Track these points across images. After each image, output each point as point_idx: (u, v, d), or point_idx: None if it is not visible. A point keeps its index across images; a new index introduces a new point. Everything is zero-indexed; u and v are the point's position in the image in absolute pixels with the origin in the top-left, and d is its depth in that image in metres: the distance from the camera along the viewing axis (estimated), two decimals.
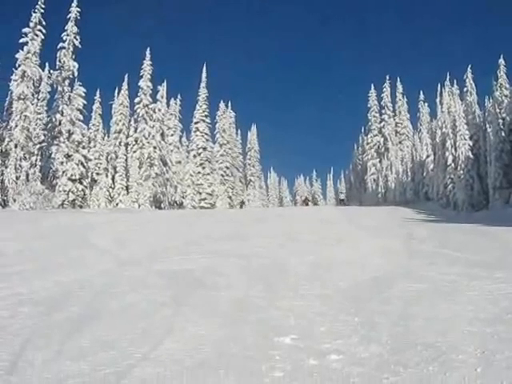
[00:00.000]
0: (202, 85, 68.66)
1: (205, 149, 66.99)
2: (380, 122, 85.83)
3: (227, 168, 72.31)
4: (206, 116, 68.40)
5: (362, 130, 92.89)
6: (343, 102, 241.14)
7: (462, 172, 50.69)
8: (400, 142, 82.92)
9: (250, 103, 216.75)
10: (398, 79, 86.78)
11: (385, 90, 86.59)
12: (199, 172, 64.74)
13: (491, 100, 49.73)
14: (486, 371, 4.34)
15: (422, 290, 8.02)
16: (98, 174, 49.99)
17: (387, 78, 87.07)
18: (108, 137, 56.59)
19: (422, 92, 79.08)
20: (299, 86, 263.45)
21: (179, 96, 65.55)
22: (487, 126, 49.29)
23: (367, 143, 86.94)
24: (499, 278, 8.61)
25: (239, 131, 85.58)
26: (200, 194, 63.55)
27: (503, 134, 45.59)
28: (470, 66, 59.82)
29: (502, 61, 50.76)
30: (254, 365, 4.73)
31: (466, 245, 14.25)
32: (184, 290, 8.36)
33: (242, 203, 62.76)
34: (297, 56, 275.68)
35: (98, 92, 58.44)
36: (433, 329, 5.75)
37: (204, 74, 68.72)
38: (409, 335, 5.54)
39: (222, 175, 70.73)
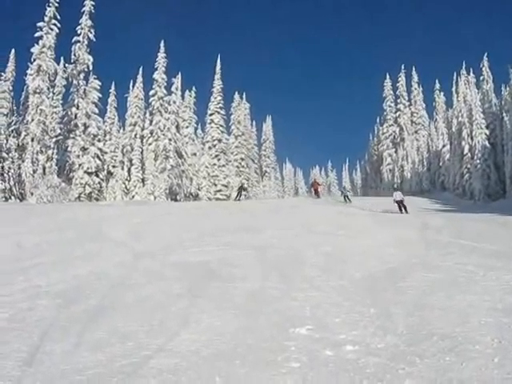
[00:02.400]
0: (217, 76, 68.49)
1: (220, 140, 66.92)
2: (395, 112, 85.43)
3: (242, 159, 72.23)
4: (220, 108, 68.24)
5: (378, 120, 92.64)
6: (359, 92, 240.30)
7: (478, 161, 50.45)
8: (416, 132, 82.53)
9: (265, 94, 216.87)
10: (414, 68, 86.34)
11: (400, 79, 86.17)
12: (214, 164, 64.70)
13: (508, 88, 49.32)
14: (503, 361, 4.33)
15: (438, 280, 7.99)
16: (113, 166, 50.14)
17: (402, 67, 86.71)
18: (123, 129, 56.75)
19: (437, 81, 78.85)
20: (314, 77, 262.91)
21: (194, 88, 65.46)
22: (504, 114, 49.00)
23: (383, 133, 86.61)
24: None
25: (254, 122, 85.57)
26: (215, 185, 63.52)
27: None
28: (486, 54, 59.38)
29: None
30: (270, 355, 4.75)
31: (482, 235, 14.17)
32: (199, 281, 8.38)
33: (241, 190, 41.53)
34: (311, 46, 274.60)
35: (113, 85, 58.61)
36: (449, 319, 5.74)
37: (218, 66, 68.58)
38: (425, 325, 5.53)
39: (238, 167, 70.67)
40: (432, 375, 4.17)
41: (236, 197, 41.04)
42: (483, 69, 58.94)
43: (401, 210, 25.82)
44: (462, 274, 8.34)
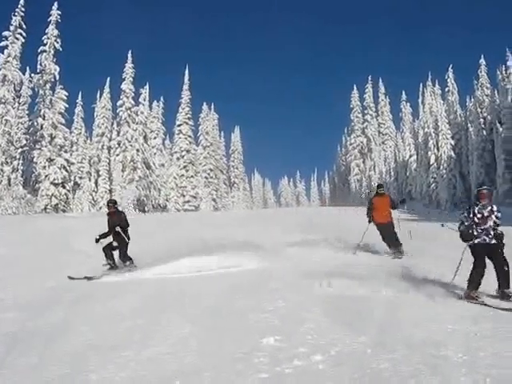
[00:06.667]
0: (185, 87, 68.53)
1: (188, 151, 66.85)
2: (363, 123, 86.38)
3: (211, 170, 72.15)
4: (189, 118, 68.22)
5: (345, 131, 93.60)
6: (327, 103, 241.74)
7: (444, 171, 51.24)
8: (383, 143, 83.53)
9: (234, 105, 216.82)
10: (380, 80, 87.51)
11: (367, 90, 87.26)
12: (183, 175, 64.57)
13: (472, 99, 50.42)
14: (469, 369, 4.36)
15: (406, 288, 8.03)
16: (80, 177, 49.77)
17: (369, 78, 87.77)
18: (90, 140, 56.40)
19: (403, 92, 79.81)
20: (283, 87, 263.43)
21: (162, 99, 65.34)
22: (469, 125, 49.91)
23: (350, 144, 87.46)
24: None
25: (222, 133, 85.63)
26: (184, 196, 63.33)
27: (484, 133, 46.15)
28: (451, 65, 60.49)
29: (482, 61, 51.42)
30: (239, 366, 4.71)
31: (449, 243, 14.30)
32: (166, 295, 8.33)
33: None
34: (279, 56, 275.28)
35: (79, 95, 58.30)
36: (417, 326, 5.77)
37: (186, 77, 68.71)
38: (394, 332, 5.55)
39: (206, 177, 70.54)
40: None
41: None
42: (448, 80, 60.04)
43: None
44: (428, 283, 8.41)
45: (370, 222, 13.92)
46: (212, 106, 79.27)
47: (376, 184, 18.34)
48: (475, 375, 4.16)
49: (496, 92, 47.40)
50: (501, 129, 43.06)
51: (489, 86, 50.01)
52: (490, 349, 4.84)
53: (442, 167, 52.00)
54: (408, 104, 77.66)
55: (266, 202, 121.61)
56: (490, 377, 4.09)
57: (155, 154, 58.52)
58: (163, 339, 5.69)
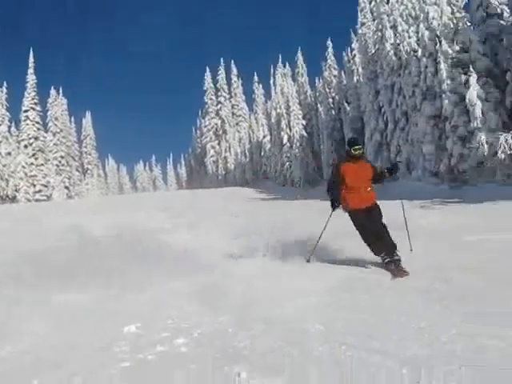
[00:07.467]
0: (30, 71, 65.52)
1: (37, 138, 64.06)
2: (217, 105, 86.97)
3: (62, 157, 69.77)
4: (35, 104, 65.34)
5: (200, 113, 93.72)
6: (181, 86, 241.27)
7: (297, 150, 53.03)
8: (237, 124, 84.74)
9: (84, 90, 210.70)
10: (232, 62, 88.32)
11: (220, 72, 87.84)
12: (32, 163, 61.86)
13: (321, 80, 52.52)
14: (327, 338, 4.46)
15: (263, 271, 8.09)
16: None
17: (221, 60, 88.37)
18: None
19: (255, 74, 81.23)
20: (134, 70, 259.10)
21: (5, 84, 62.16)
22: (318, 105, 52.04)
23: (205, 126, 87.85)
24: (338, 251, 8.94)
25: (73, 119, 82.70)
26: (34, 186, 60.79)
27: (333, 112, 48.27)
28: (299, 48, 62.53)
29: (329, 43, 53.62)
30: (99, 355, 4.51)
31: (299, 220, 14.69)
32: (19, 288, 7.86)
33: None
34: (131, 37, 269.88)
35: None
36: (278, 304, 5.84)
37: (31, 60, 65.63)
38: (254, 310, 5.57)
39: (58, 165, 68.12)
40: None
41: None
42: (298, 62, 62.16)
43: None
44: (273, 264, 8.52)
45: (335, 207, 7.66)
46: (60, 91, 76.63)
47: (347, 139, 8.09)
48: (332, 344, 4.31)
49: (343, 73, 49.81)
50: (348, 108, 45.22)
51: (336, 67, 52.49)
52: (345, 318, 5.03)
53: (294, 146, 53.86)
54: (260, 85, 79.41)
55: (121, 188, 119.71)
56: (345, 344, 4.26)
57: (1, 142, 55.62)
58: (19, 336, 5.34)
